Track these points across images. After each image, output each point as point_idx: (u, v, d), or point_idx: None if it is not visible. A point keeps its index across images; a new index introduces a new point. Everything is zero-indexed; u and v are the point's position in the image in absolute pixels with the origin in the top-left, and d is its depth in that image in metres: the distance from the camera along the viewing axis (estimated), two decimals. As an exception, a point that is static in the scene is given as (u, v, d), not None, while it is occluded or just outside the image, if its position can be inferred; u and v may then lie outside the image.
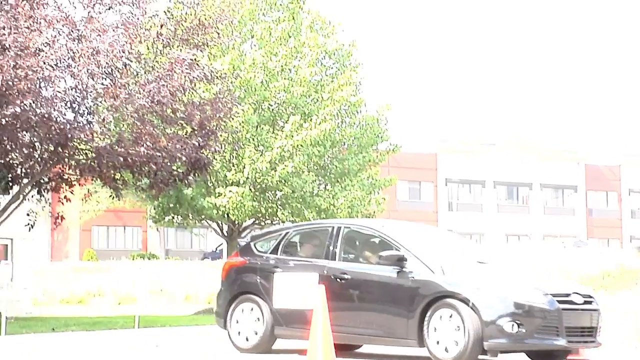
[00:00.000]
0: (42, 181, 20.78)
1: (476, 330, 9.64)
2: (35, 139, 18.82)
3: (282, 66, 26.44)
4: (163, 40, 20.13)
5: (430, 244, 10.98)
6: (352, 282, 10.66)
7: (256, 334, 11.34)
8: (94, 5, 19.17)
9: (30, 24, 17.86)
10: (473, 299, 9.75)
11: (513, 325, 9.66)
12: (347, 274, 10.72)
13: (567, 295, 10.02)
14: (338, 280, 10.70)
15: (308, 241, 11.80)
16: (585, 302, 10.15)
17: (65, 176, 20.62)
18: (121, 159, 18.99)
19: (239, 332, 11.55)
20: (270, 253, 11.72)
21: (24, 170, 19.65)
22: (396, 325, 10.22)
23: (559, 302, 9.87)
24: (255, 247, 12.00)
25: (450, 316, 9.82)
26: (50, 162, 19.56)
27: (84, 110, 19.21)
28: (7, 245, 26.42)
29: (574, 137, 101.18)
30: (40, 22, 18.14)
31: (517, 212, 74.03)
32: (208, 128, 20.64)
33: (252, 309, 11.44)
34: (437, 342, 9.89)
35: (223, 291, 11.96)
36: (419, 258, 10.29)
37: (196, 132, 20.51)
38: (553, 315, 9.76)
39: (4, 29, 17.70)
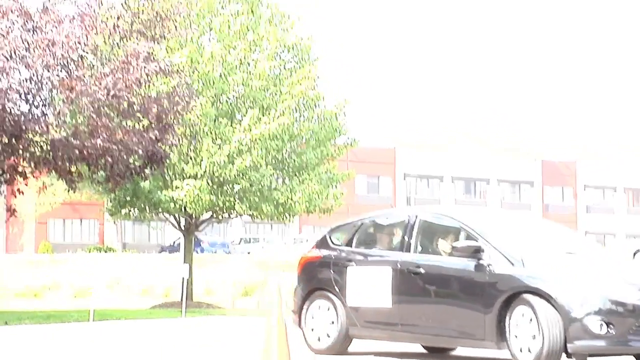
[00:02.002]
0: (-5, 173, 20.53)
1: (556, 331, 8.67)
2: (-12, 131, 18.59)
3: (240, 59, 26.37)
4: (120, 32, 19.98)
5: (512, 233, 9.90)
6: (425, 276, 9.77)
7: (329, 335, 10.51)
8: (49, -5, 18.98)
9: (-16, 15, 17.64)
10: (555, 295, 8.76)
11: (601, 325, 8.65)
12: (420, 267, 9.81)
13: None
14: (412, 274, 9.84)
15: (383, 232, 10.82)
16: None
17: (20, 168, 20.40)
18: (77, 151, 18.84)
19: (313, 331, 10.69)
20: (346, 245, 10.87)
21: (-23, 162, 19.42)
22: (472, 324, 9.32)
23: None
24: (331, 240, 11.13)
25: (530, 314, 8.86)
26: (4, 154, 19.33)
27: (38, 102, 19.02)
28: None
29: (530, 133, 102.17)
30: (-6, 13, 17.92)
31: (475, 207, 74.63)
32: (165, 121, 20.54)
33: (327, 308, 10.60)
34: (517, 344, 8.96)
35: (297, 287, 11.11)
36: (498, 249, 9.31)
37: (153, 125, 20.39)
38: None
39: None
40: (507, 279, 9.10)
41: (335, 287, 10.53)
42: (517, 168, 76.85)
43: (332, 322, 10.47)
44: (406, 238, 10.13)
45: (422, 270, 9.78)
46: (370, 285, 10.17)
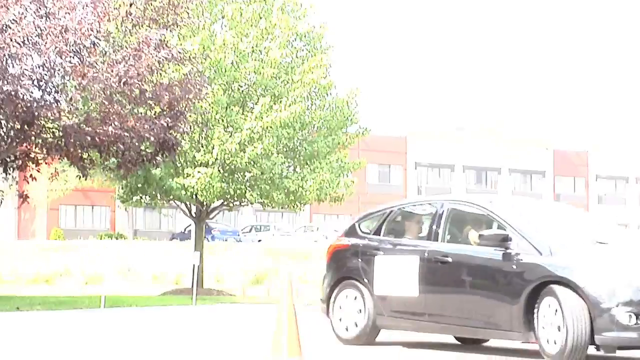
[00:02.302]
0: (8, 159, 20.59)
1: (582, 322, 8.41)
2: (1, 117, 18.64)
3: (252, 47, 26.33)
4: (132, 19, 19.97)
5: (542, 222, 9.59)
6: (453, 265, 9.56)
7: (356, 325, 10.33)
8: (62, -18, 18.96)
9: (-3, 1, 17.66)
10: (582, 285, 8.48)
11: (630, 316, 8.37)
12: (448, 256, 9.61)
13: None
14: (439, 263, 9.64)
15: (412, 220, 10.66)
16: None
17: (32, 155, 20.45)
18: (89, 138, 18.86)
19: (340, 321, 10.53)
20: (374, 234, 10.69)
21: (-11, 149, 19.47)
22: (499, 315, 9.09)
23: None
24: (360, 228, 10.97)
25: (555, 305, 8.61)
26: (17, 140, 19.39)
27: (51, 89, 19.04)
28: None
29: (542, 123, 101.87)
30: (7, -1, 17.94)
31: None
32: (177, 109, 20.55)
33: (354, 297, 10.44)
34: (544, 335, 8.73)
35: (326, 276, 10.98)
36: (526, 237, 9.06)
37: (165, 112, 20.41)
38: None
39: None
40: (534, 269, 8.86)
41: (363, 276, 10.39)
42: (528, 158, 76.64)
43: (360, 312, 10.33)
44: (434, 227, 9.95)
45: (449, 260, 9.60)
46: (397, 275, 10.03)
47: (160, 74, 20.24)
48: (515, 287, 8.94)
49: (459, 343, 10.74)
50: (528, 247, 9.00)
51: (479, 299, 9.31)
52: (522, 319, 8.88)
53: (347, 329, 10.43)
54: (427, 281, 9.74)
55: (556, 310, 8.59)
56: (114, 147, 19.56)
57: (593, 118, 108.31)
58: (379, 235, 10.62)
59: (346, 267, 10.66)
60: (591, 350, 8.64)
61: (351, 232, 11.03)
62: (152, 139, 19.69)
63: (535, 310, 8.80)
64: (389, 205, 11.03)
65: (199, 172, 25.29)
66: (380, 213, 10.89)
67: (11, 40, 17.51)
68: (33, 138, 19.47)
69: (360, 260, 10.51)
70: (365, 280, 10.34)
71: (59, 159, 20.75)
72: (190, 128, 22.96)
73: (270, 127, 25.32)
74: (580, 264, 8.65)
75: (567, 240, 9.16)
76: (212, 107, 25.34)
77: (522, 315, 8.88)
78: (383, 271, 10.21)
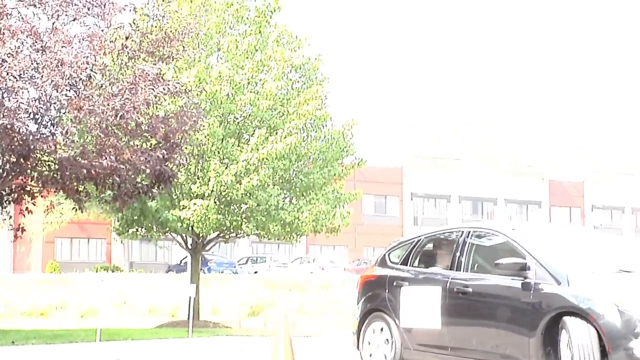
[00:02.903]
0: (3, 193, 20.59)
1: (589, 357, 7.89)
2: (-3, 150, 18.65)
3: (248, 79, 26.44)
4: (128, 52, 20.06)
5: (566, 249, 9.17)
6: (473, 295, 9.16)
7: (385, 358, 9.95)
8: (58, 16, 19.07)
9: (-7, 35, 17.74)
10: (594, 316, 7.97)
11: None
12: (468, 286, 9.21)
13: None
14: (460, 294, 9.25)
15: (437, 249, 10.26)
16: None
17: (28, 188, 20.45)
18: (84, 171, 18.86)
19: (370, 356, 10.19)
20: (401, 264, 10.36)
21: (-15, 182, 19.47)
22: (517, 348, 8.57)
23: None
24: (389, 258, 10.62)
25: (567, 338, 8.13)
26: (13, 173, 19.39)
27: (47, 122, 19.08)
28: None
29: (538, 153, 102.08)
30: (4, 33, 18.02)
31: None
32: (173, 141, 20.59)
33: (382, 329, 10.06)
34: None
35: (356, 307, 10.62)
36: (544, 265, 8.61)
37: (161, 144, 20.44)
38: None
39: (-34, 39, 17.58)
40: (551, 299, 8.37)
41: (390, 307, 10.02)
42: (524, 188, 76.75)
43: (387, 344, 9.97)
44: (457, 255, 9.54)
45: (470, 290, 9.19)
46: (421, 306, 9.65)
47: (156, 106, 20.30)
48: (532, 318, 8.47)
49: None
50: (546, 275, 8.53)
51: (497, 332, 8.84)
52: (539, 352, 8.39)
53: None
54: (450, 313, 9.38)
55: (567, 344, 8.12)
56: (110, 180, 19.57)
57: (589, 149, 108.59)
58: (407, 265, 10.28)
59: (374, 298, 10.31)
60: None
61: (381, 262, 10.68)
62: (148, 171, 19.70)
63: (555, 343, 8.30)
64: (418, 234, 10.71)
65: (195, 204, 25.29)
66: (409, 242, 10.56)
67: (7, 74, 17.55)
68: (29, 171, 19.47)
69: (387, 291, 10.16)
70: (392, 312, 9.98)
71: (54, 191, 20.74)
72: (186, 160, 22.98)
73: (266, 158, 25.36)
74: (596, 294, 8.10)
75: (587, 269, 8.62)
76: (208, 139, 25.39)
77: (540, 349, 8.39)
78: (408, 302, 9.84)
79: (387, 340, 9.93)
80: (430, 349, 9.53)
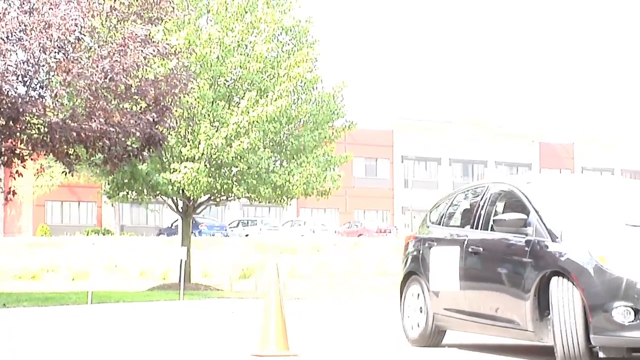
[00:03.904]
0: (-7, 156, 20.52)
1: (572, 320, 7.30)
2: (-15, 113, 18.56)
3: (238, 42, 26.30)
4: (117, 14, 19.92)
5: (578, 202, 8.36)
6: (483, 256, 8.56)
7: (418, 325, 9.48)
8: (46, -23, 18.89)
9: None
10: (577, 274, 7.29)
11: (626, 312, 7.09)
12: (481, 246, 8.61)
13: None
14: (474, 254, 8.67)
15: (464, 206, 9.61)
16: None
17: (17, 151, 20.39)
18: (74, 134, 18.81)
19: (409, 318, 9.72)
20: (437, 223, 9.77)
21: (-26, 145, 19.40)
22: (515, 311, 7.98)
23: None
24: (430, 217, 9.98)
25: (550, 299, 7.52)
26: (2, 136, 19.32)
27: (36, 85, 18.98)
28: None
29: (528, 115, 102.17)
30: (-10, -5, 17.86)
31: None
32: (163, 103, 20.52)
33: (418, 295, 9.57)
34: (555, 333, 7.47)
35: (401, 270, 10.13)
36: (544, 221, 7.88)
37: (150, 107, 20.37)
38: None
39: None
40: (543, 257, 7.72)
41: (422, 270, 9.51)
42: (514, 150, 76.85)
43: (421, 310, 9.50)
44: (475, 213, 8.96)
45: (481, 249, 8.60)
46: (444, 268, 9.11)
47: (146, 69, 20.19)
48: (527, 279, 7.84)
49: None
50: (544, 231, 7.84)
51: (499, 294, 8.27)
52: (534, 316, 7.78)
53: (412, 328, 9.69)
54: (466, 274, 8.80)
55: (550, 305, 7.54)
56: (100, 143, 19.52)
57: (579, 110, 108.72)
58: (440, 224, 9.74)
59: (413, 261, 9.83)
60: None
61: (423, 221, 10.16)
62: (138, 134, 19.65)
63: (551, 308, 7.55)
64: (454, 191, 10.11)
65: (185, 167, 25.26)
66: (446, 200, 9.97)
67: (-5, 36, 17.42)
68: (18, 134, 19.41)
69: (421, 252, 9.64)
70: (424, 276, 9.49)
71: (44, 155, 20.69)
72: (177, 123, 22.93)
73: (257, 121, 25.31)
74: (582, 251, 7.41)
75: (588, 223, 7.81)
76: (198, 102, 25.31)
77: (534, 312, 7.77)
78: (435, 264, 9.32)
79: (421, 304, 9.51)
80: (453, 314, 9.03)
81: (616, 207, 8.36)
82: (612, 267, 7.22)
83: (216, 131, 25.48)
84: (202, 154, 25.45)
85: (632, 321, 7.08)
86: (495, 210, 8.80)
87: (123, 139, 19.74)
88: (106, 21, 19.98)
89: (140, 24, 19.92)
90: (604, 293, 7.18)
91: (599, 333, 7.18)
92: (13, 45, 18.12)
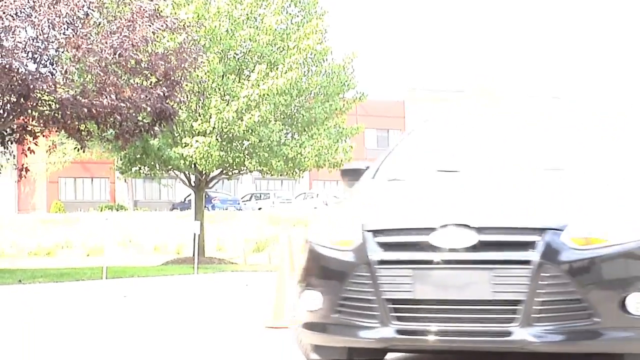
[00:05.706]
0: (5, 133, 20.59)
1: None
2: (-4, 91, 18.61)
3: (247, 14, 26.21)
4: (125, -11, 19.87)
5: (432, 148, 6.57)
6: None
7: None
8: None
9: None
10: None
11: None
12: None
13: None
14: None
15: None
16: None
17: (29, 128, 20.45)
18: (85, 110, 18.84)
19: None
20: None
21: (-14, 123, 19.47)
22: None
23: None
24: None
25: None
26: (13, 113, 19.37)
27: (45, 61, 18.99)
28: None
29: (541, 83, 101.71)
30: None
31: None
32: (173, 78, 20.50)
33: None
34: None
35: None
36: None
37: (161, 82, 20.36)
38: None
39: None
40: None
41: None
42: (527, 119, 76.63)
43: None
44: None
45: None
46: None
47: (155, 43, 20.17)
48: None
49: None
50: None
51: None
52: None
53: None
54: None
55: None
56: (111, 118, 19.55)
57: (595, 72, 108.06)
58: None
59: None
60: None
61: None
62: (148, 109, 19.67)
63: None
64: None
65: (197, 141, 25.27)
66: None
67: (4, 13, 17.42)
68: (29, 111, 19.45)
69: None
70: None
71: (56, 131, 20.75)
72: (187, 97, 22.92)
73: (267, 94, 25.26)
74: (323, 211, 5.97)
75: (396, 172, 6.12)
76: (208, 76, 25.27)
77: None
78: None
79: None
80: None
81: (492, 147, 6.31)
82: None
83: (227, 105, 25.46)
84: (214, 127, 25.45)
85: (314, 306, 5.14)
86: None
87: (134, 114, 19.76)
88: (115, -4, 19.95)
89: (149, -2, 19.85)
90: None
91: None
92: (22, 22, 18.12)
